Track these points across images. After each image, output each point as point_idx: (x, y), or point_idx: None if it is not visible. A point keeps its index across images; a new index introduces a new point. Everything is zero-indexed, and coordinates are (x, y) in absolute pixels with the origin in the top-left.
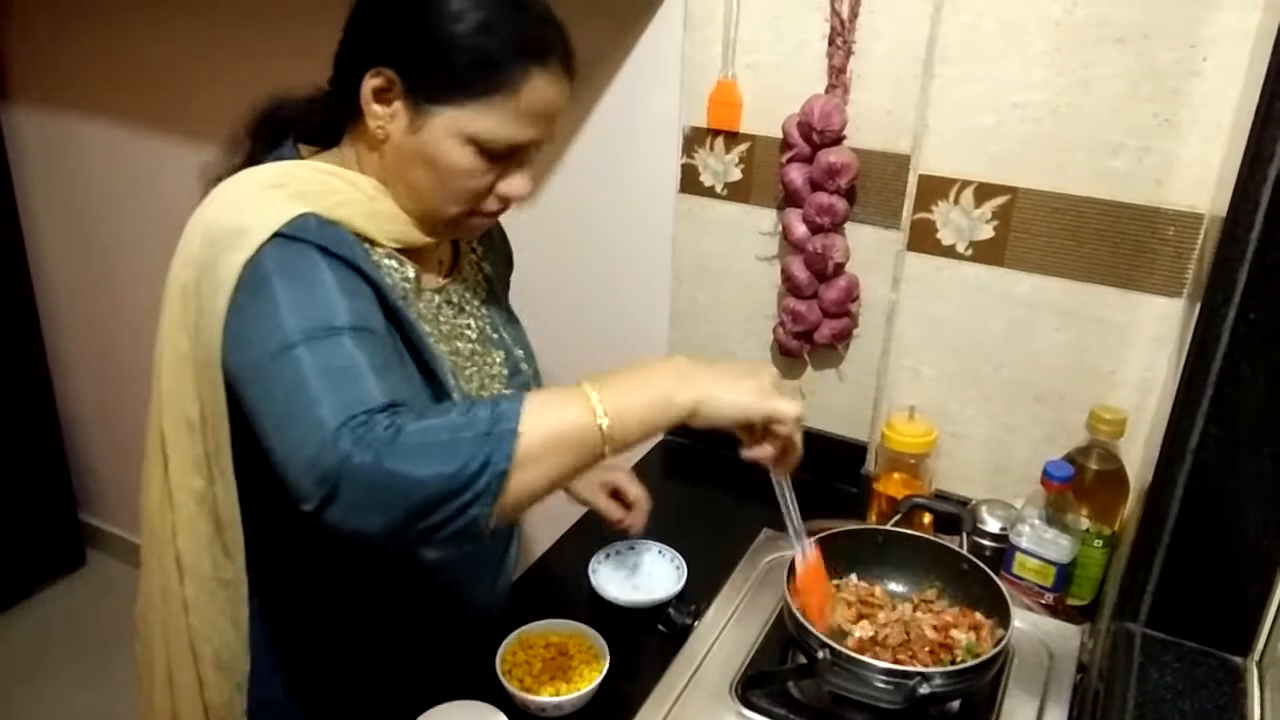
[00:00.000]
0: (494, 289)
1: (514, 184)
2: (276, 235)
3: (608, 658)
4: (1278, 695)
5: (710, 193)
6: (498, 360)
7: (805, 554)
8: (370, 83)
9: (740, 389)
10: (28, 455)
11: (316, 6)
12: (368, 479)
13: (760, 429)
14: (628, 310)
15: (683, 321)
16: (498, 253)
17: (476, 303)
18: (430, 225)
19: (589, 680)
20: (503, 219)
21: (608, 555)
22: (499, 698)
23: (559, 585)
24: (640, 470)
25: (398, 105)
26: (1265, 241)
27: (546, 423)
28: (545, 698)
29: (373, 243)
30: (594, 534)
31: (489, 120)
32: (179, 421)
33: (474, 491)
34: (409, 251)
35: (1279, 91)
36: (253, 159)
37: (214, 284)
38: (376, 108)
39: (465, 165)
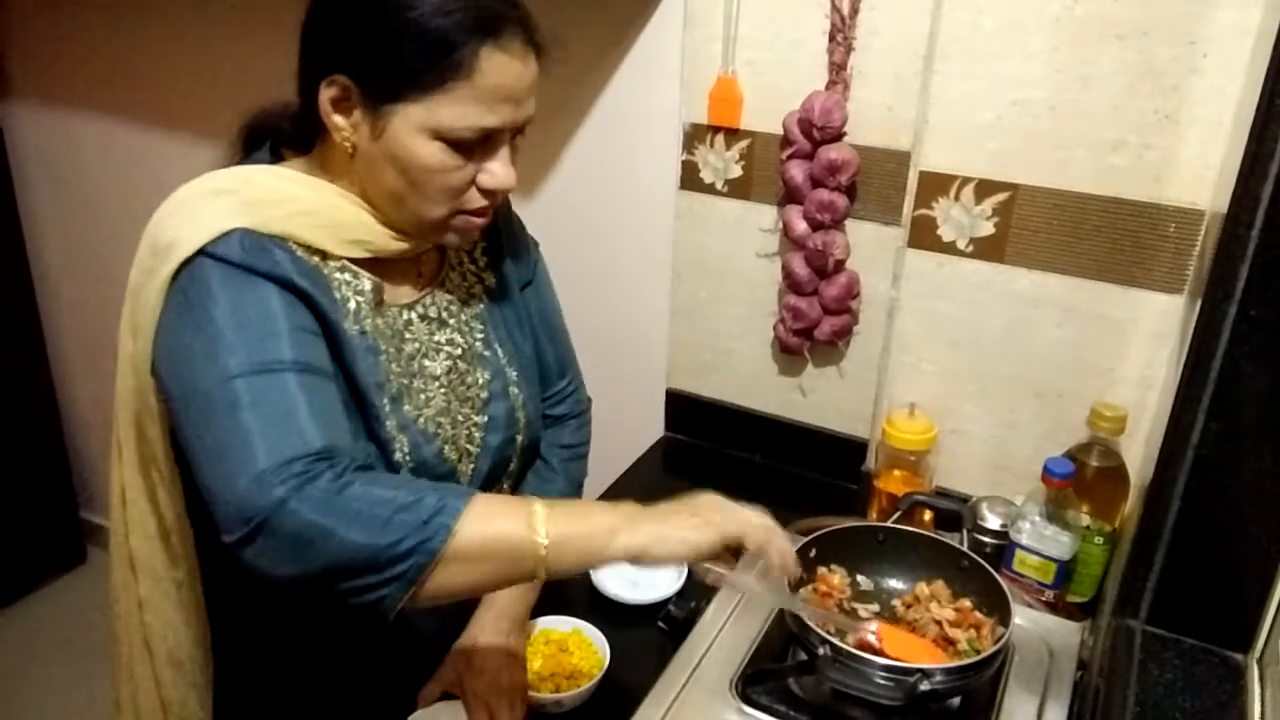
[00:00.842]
0: (500, 297)
1: (493, 174)
2: (202, 253)
3: (608, 655)
4: (1278, 692)
5: (711, 189)
6: (480, 380)
7: (872, 635)
8: (326, 94)
9: (688, 524)
10: (28, 452)
11: None
12: (296, 529)
13: (732, 552)
14: (628, 308)
15: (683, 318)
16: (513, 255)
17: (466, 316)
18: (420, 231)
19: (589, 677)
20: None
21: None
22: None
23: (559, 582)
24: (641, 467)
25: (357, 113)
26: (1266, 238)
27: (485, 529)
28: (546, 694)
29: (326, 255)
30: None
31: (450, 109)
32: (127, 420)
33: (392, 573)
34: (377, 263)
35: (1279, 88)
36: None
37: (148, 294)
38: (337, 119)
39: (436, 161)
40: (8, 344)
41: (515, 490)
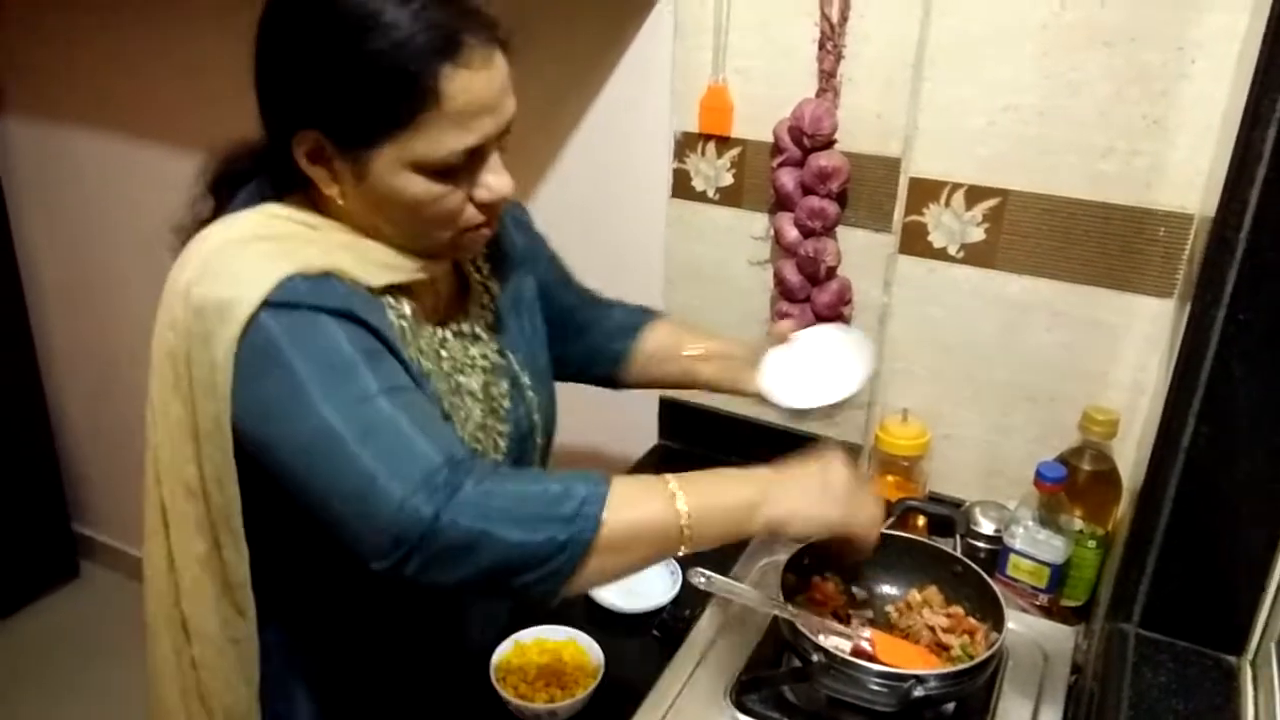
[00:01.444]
0: (504, 305)
1: (488, 186)
2: (267, 304)
3: (603, 664)
4: (1271, 694)
5: (702, 197)
6: (503, 389)
7: (865, 641)
8: (299, 150)
9: (823, 503)
10: (20, 466)
11: None
12: (457, 539)
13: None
14: None
15: None
16: (511, 257)
17: (485, 329)
18: (430, 254)
19: (584, 687)
20: None
21: None
22: (494, 705)
23: None
24: (634, 474)
25: (336, 163)
26: (1254, 242)
27: (631, 515)
28: (540, 705)
29: (368, 286)
30: None
31: (425, 142)
32: (177, 486)
33: (550, 569)
34: (405, 290)
35: (1266, 93)
36: (220, 209)
37: (209, 360)
38: (318, 171)
39: (424, 193)
40: (0, 358)
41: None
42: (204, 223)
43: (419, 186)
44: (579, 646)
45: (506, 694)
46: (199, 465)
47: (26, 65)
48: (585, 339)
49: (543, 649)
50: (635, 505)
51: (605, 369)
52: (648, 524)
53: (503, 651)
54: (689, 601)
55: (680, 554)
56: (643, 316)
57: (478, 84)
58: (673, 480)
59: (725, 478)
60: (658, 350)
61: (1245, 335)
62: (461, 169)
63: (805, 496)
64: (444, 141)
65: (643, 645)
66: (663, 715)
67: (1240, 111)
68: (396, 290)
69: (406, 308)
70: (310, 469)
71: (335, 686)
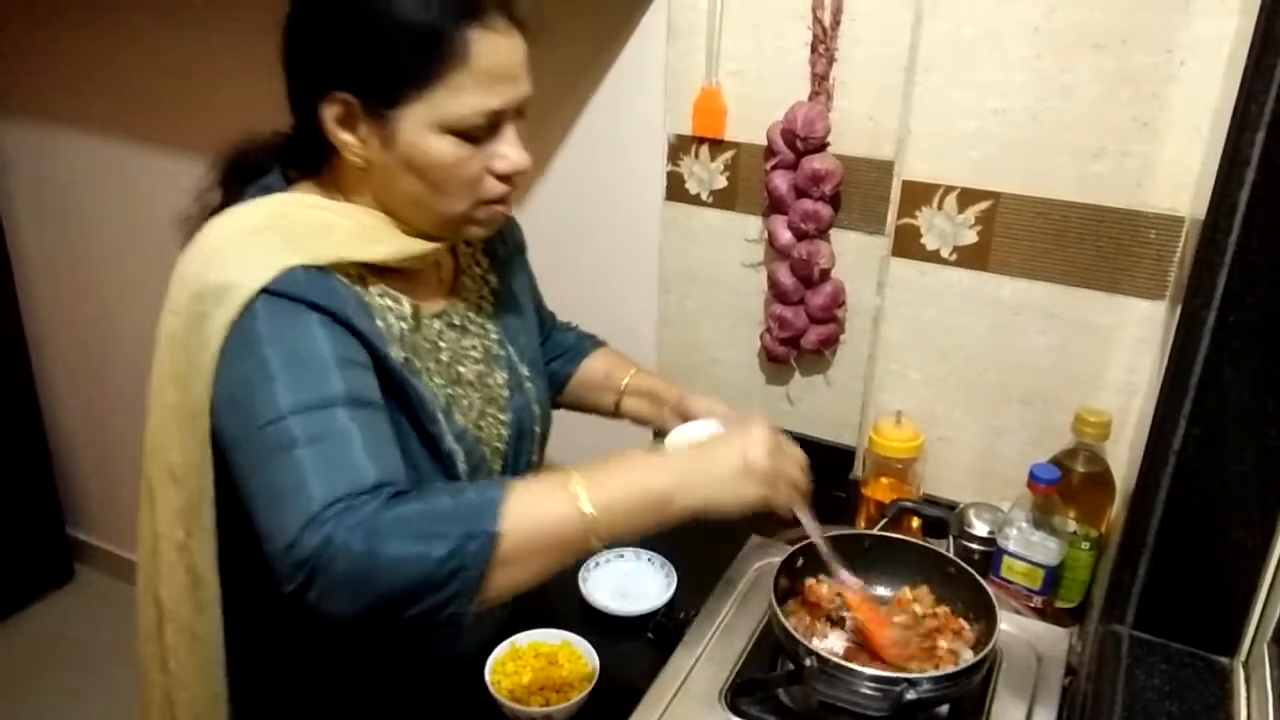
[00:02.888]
0: (504, 298)
1: (506, 157)
2: (264, 291)
3: (598, 667)
4: (1264, 696)
5: (696, 200)
6: (501, 379)
7: (848, 583)
8: (328, 113)
9: (741, 487)
10: (14, 470)
11: None
12: (347, 565)
13: None
14: (615, 318)
15: (670, 329)
16: (509, 253)
17: (482, 319)
18: (444, 231)
19: (579, 690)
20: None
21: (598, 563)
22: (489, 708)
23: (549, 594)
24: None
25: (364, 127)
26: (1243, 244)
27: (531, 522)
28: (535, 708)
29: (367, 281)
30: None
31: (454, 100)
32: (163, 470)
33: (452, 589)
34: (406, 277)
35: (1255, 96)
36: (230, 200)
37: (201, 340)
38: (345, 137)
39: (450, 156)
40: None
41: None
42: (212, 213)
43: (444, 148)
44: (574, 650)
45: (502, 698)
46: (182, 451)
47: (20, 66)
48: None
49: (538, 652)
50: (535, 511)
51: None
52: (551, 528)
53: (497, 655)
54: (684, 604)
55: (591, 552)
56: (589, 344)
57: (502, 47)
58: (577, 479)
59: (634, 469)
60: (592, 378)
61: (1236, 337)
62: (482, 136)
63: (720, 481)
64: (471, 101)
65: (638, 648)
66: (658, 718)
67: (1229, 114)
68: (399, 280)
69: (406, 306)
70: (255, 461)
71: (327, 692)
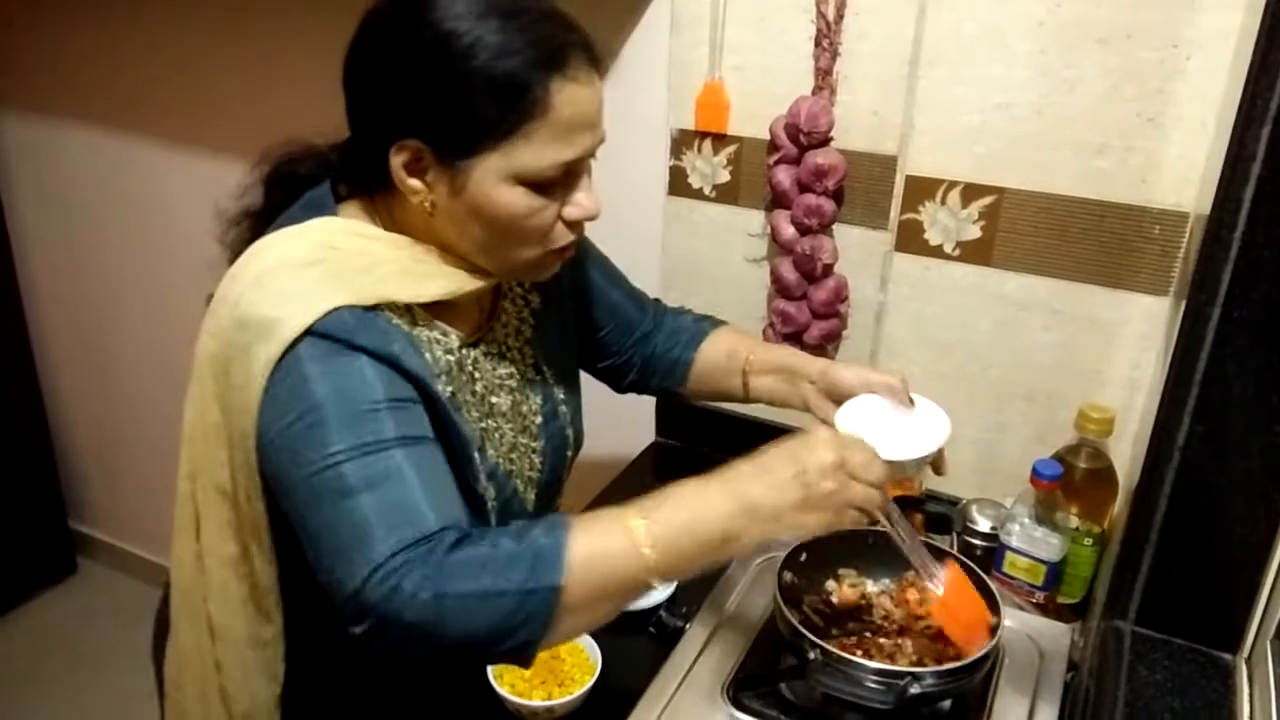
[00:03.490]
0: (545, 316)
1: (580, 205)
2: (309, 333)
3: (600, 661)
4: (1266, 692)
5: (698, 195)
6: (534, 405)
7: (939, 578)
8: (396, 160)
9: (803, 518)
10: (17, 463)
11: (303, 18)
12: (413, 615)
13: None
14: None
15: None
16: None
17: (519, 343)
18: (504, 273)
19: (581, 684)
20: None
21: None
22: (492, 702)
23: None
24: (632, 473)
25: (432, 173)
26: (1248, 240)
27: (592, 570)
28: (537, 702)
29: (415, 315)
30: None
31: (529, 153)
32: (211, 488)
33: (519, 639)
34: (450, 307)
35: (1261, 91)
36: (272, 207)
37: (246, 372)
38: (412, 182)
39: (522, 207)
40: None
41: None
42: (252, 215)
43: (516, 199)
44: (576, 644)
45: (504, 691)
46: (231, 472)
47: (21, 60)
48: (646, 346)
49: None
50: (598, 558)
51: (664, 379)
52: (614, 575)
53: None
54: (686, 599)
55: (652, 589)
56: (708, 325)
57: (582, 97)
58: (635, 517)
59: (696, 505)
60: (714, 362)
61: (1240, 332)
62: (556, 185)
63: (781, 515)
64: (547, 153)
65: (640, 643)
66: (660, 712)
67: (1234, 109)
68: (444, 311)
69: (454, 340)
70: (310, 505)
71: (343, 687)
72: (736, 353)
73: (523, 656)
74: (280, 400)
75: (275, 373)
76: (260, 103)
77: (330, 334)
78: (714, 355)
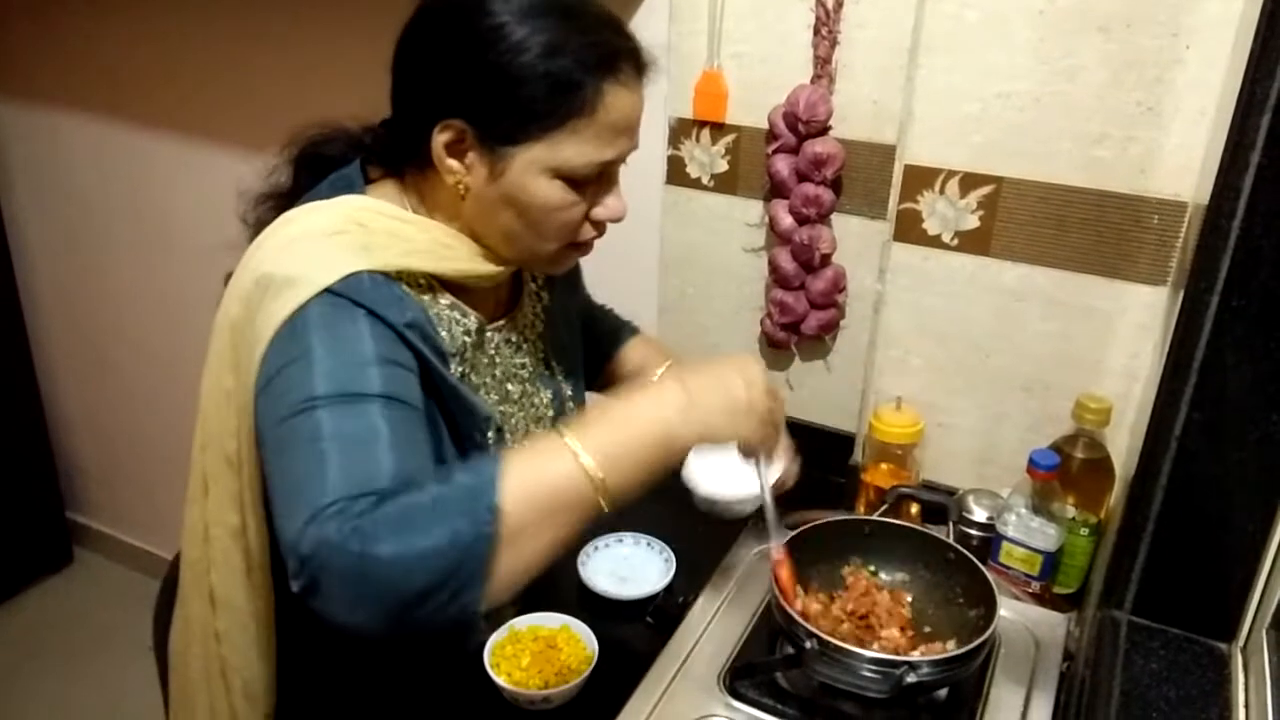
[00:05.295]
0: (554, 316)
1: (608, 206)
2: (325, 291)
3: (596, 650)
4: (1262, 681)
5: (697, 184)
6: (545, 399)
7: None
8: (440, 138)
9: (737, 425)
10: (14, 454)
11: (303, 8)
12: (340, 566)
13: None
14: (616, 302)
15: (671, 314)
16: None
17: (534, 336)
18: (527, 264)
19: (578, 673)
20: None
21: (596, 548)
22: (489, 691)
23: (548, 578)
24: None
25: (472, 155)
26: (1247, 229)
27: (531, 488)
28: (534, 690)
29: (436, 292)
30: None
31: (572, 148)
32: (220, 457)
33: (459, 580)
34: (470, 291)
35: (1260, 79)
36: (298, 187)
37: (255, 328)
38: (451, 162)
39: (556, 200)
40: None
41: None
42: (279, 195)
43: (551, 192)
44: (573, 633)
45: (501, 680)
46: (238, 437)
47: (19, 50)
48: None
49: (537, 635)
50: (534, 476)
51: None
52: (556, 490)
53: (497, 639)
54: (683, 588)
55: (602, 511)
56: (626, 332)
57: (629, 103)
58: (570, 433)
59: (628, 412)
60: (625, 369)
61: (1238, 322)
62: (589, 184)
63: (720, 413)
64: (588, 151)
65: (636, 632)
66: (656, 701)
67: (1234, 98)
68: (465, 294)
69: (472, 320)
70: (279, 447)
71: (337, 668)
72: (646, 368)
73: (465, 605)
74: (278, 348)
75: (283, 326)
76: (261, 93)
77: (343, 293)
78: (626, 363)
